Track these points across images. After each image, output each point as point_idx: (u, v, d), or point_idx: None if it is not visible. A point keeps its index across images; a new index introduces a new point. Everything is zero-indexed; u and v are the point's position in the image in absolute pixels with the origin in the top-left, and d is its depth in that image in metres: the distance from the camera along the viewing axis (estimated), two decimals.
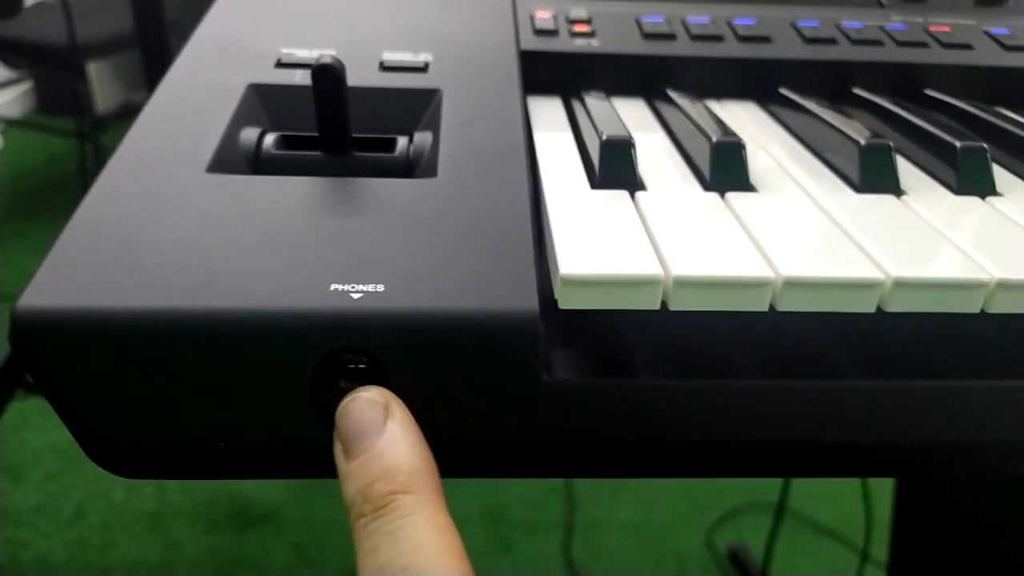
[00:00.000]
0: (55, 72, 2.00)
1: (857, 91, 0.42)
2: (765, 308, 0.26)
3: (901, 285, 0.26)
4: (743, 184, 0.32)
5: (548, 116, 0.40)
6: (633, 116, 0.41)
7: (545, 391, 0.25)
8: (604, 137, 0.32)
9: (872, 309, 0.26)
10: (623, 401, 0.26)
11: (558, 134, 0.37)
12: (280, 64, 0.37)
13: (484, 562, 1.19)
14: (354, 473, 0.22)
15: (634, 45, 0.42)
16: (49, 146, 2.33)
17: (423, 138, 0.33)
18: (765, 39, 0.43)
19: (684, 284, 0.25)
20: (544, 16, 0.44)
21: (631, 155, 0.32)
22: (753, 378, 0.27)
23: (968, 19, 0.47)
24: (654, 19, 0.44)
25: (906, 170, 0.35)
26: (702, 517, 1.28)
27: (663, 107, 0.41)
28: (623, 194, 0.30)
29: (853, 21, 0.45)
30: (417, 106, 0.36)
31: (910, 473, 0.30)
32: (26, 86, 2.54)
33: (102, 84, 2.48)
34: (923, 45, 0.44)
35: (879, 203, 0.31)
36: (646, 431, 0.27)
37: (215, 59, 0.38)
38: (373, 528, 0.20)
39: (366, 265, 0.25)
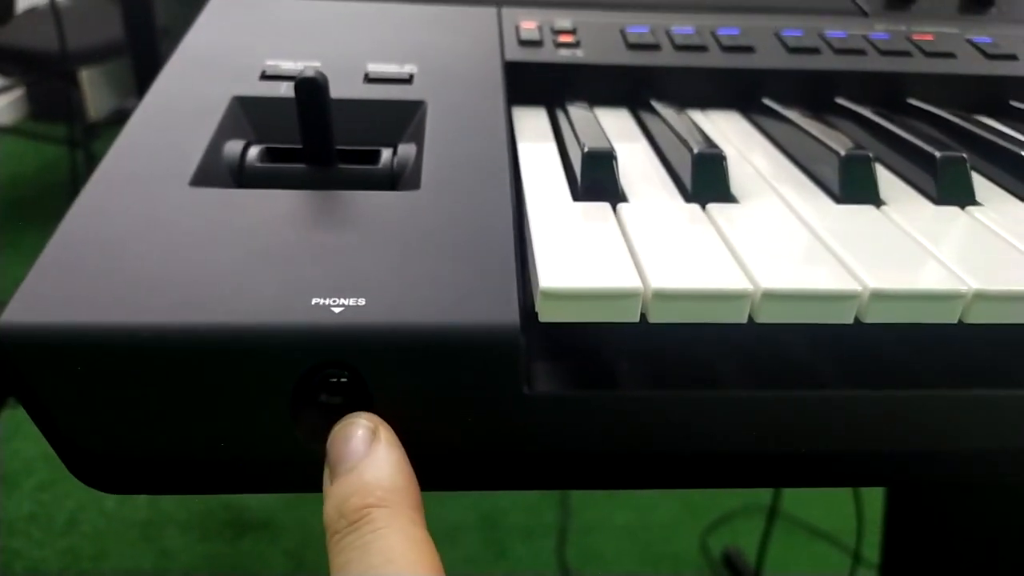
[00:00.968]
0: (47, 79, 1.99)
1: (840, 101, 0.42)
2: (744, 320, 0.26)
3: (878, 297, 0.26)
4: (724, 195, 0.32)
5: (532, 127, 0.40)
6: (617, 126, 0.41)
7: (527, 403, 0.25)
8: (586, 149, 0.32)
9: (850, 320, 0.26)
10: (605, 412, 0.27)
11: (542, 145, 0.37)
12: (265, 76, 0.37)
13: (480, 567, 1.19)
14: (333, 492, 0.22)
15: (618, 55, 0.42)
16: (41, 153, 2.32)
17: (407, 150, 0.34)
18: (749, 49, 0.43)
19: (663, 297, 0.25)
20: (529, 27, 0.44)
21: (613, 167, 0.32)
22: (734, 388, 0.27)
23: (951, 27, 0.47)
24: (639, 29, 0.44)
25: (887, 180, 0.36)
26: (696, 521, 1.28)
27: (647, 117, 0.41)
28: (604, 206, 0.31)
29: (837, 30, 0.45)
30: (401, 118, 0.36)
31: (894, 482, 0.30)
32: (17, 93, 2.53)
33: (94, 91, 2.47)
34: (906, 54, 0.44)
35: (859, 214, 0.32)
36: (628, 442, 0.27)
37: (200, 71, 0.38)
38: (346, 543, 0.20)
39: (348, 279, 0.25)
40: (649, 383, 0.27)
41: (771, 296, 0.26)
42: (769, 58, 0.43)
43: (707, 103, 0.44)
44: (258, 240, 0.27)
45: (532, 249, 0.27)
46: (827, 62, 0.43)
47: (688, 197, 0.32)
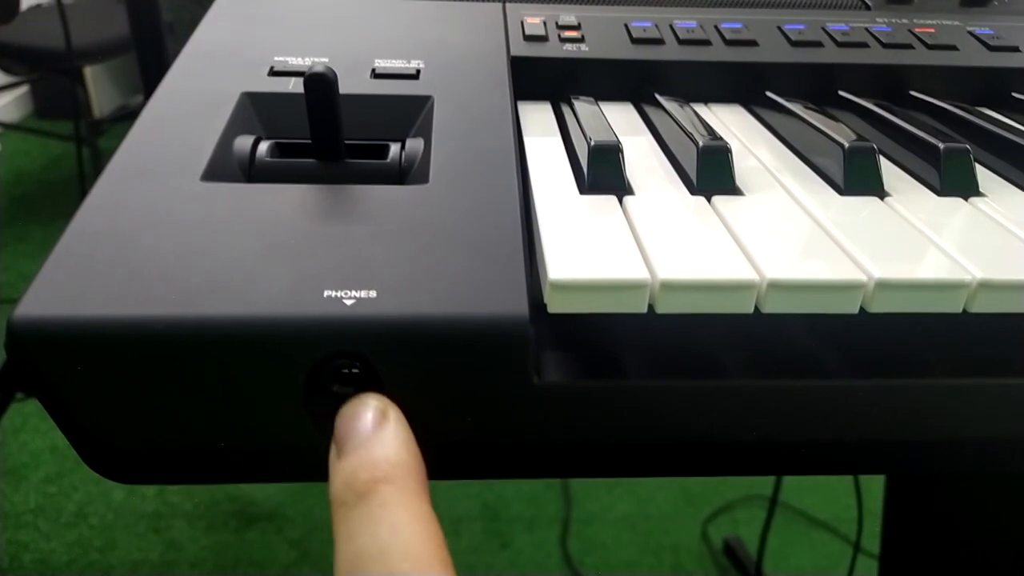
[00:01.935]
0: (52, 76, 2.00)
1: (842, 94, 0.43)
2: (750, 310, 0.26)
3: (883, 286, 0.26)
4: (729, 187, 0.33)
5: (538, 121, 0.40)
6: (622, 120, 0.41)
7: (536, 393, 0.26)
8: (592, 143, 0.32)
9: (855, 310, 0.27)
10: (613, 402, 0.27)
11: (548, 139, 0.38)
12: (273, 72, 0.38)
13: (483, 557, 1.20)
14: (342, 467, 0.22)
15: (623, 50, 0.43)
16: (47, 150, 2.33)
17: (415, 144, 0.34)
18: (752, 43, 0.43)
19: (670, 287, 0.26)
20: (534, 22, 0.44)
21: (619, 160, 0.32)
22: (741, 378, 0.28)
23: (953, 19, 0.47)
24: (642, 24, 0.44)
25: (890, 172, 0.36)
26: (697, 511, 1.29)
27: (651, 111, 0.42)
28: (611, 199, 0.31)
29: (839, 24, 0.46)
30: (409, 113, 0.36)
31: (897, 471, 0.31)
32: (23, 90, 2.54)
33: (99, 88, 2.48)
34: (908, 47, 0.44)
35: (863, 205, 0.32)
36: (636, 431, 0.27)
37: (209, 68, 0.38)
38: (353, 515, 0.20)
39: (359, 271, 0.26)
40: (656, 373, 0.28)
41: (777, 286, 0.26)
42: (772, 52, 0.43)
43: (710, 97, 0.45)
44: (270, 234, 0.27)
45: (540, 241, 0.28)
46: (830, 55, 0.43)
47: (693, 190, 0.33)
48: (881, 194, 0.33)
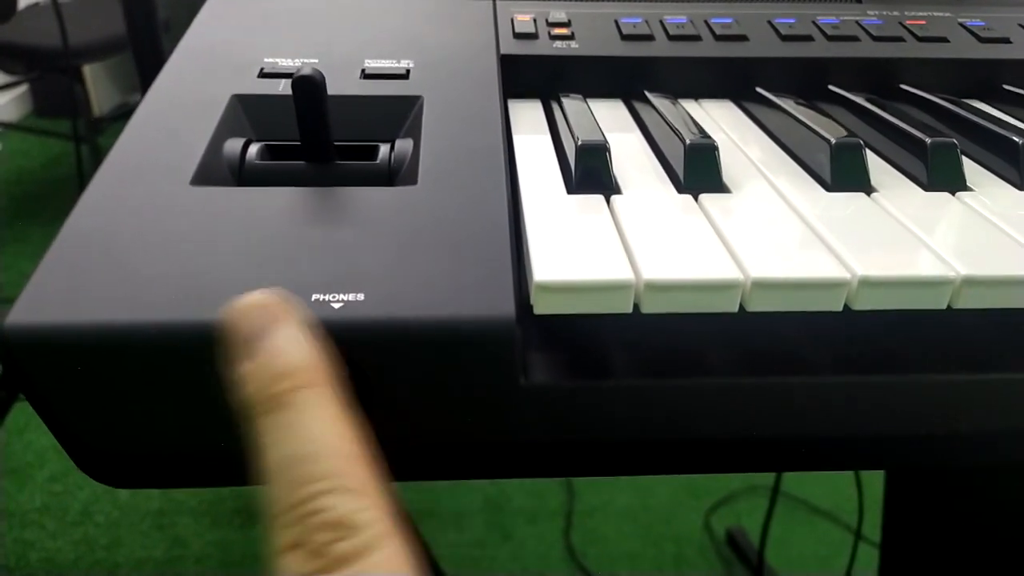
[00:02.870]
0: (50, 75, 2.00)
1: (832, 88, 0.43)
2: (735, 309, 0.27)
3: (867, 284, 0.26)
4: (716, 185, 0.33)
5: (528, 119, 0.40)
6: (611, 118, 0.41)
7: (523, 394, 0.26)
8: (580, 142, 0.33)
9: (839, 308, 0.27)
10: (600, 401, 0.27)
11: (537, 138, 0.38)
12: (263, 74, 0.38)
13: (486, 550, 1.20)
14: (253, 374, 0.21)
15: (613, 47, 0.43)
16: (46, 149, 2.33)
17: (404, 145, 0.34)
18: (742, 38, 0.44)
19: (655, 288, 0.26)
20: (524, 20, 0.44)
21: (606, 160, 0.33)
22: (728, 376, 0.28)
23: (944, 11, 0.47)
24: (632, 20, 0.44)
25: (879, 167, 0.36)
26: (699, 502, 1.29)
27: (641, 108, 0.42)
28: (598, 199, 0.31)
29: (829, 17, 0.46)
30: (398, 113, 0.36)
31: (887, 466, 0.31)
32: (22, 89, 2.54)
33: (98, 86, 2.48)
34: (899, 40, 0.44)
35: (849, 201, 0.32)
36: (624, 430, 0.28)
37: (200, 70, 0.38)
38: (272, 423, 0.20)
39: (347, 274, 0.26)
40: (643, 372, 0.28)
41: (761, 285, 0.26)
42: (762, 47, 0.43)
43: (701, 93, 0.45)
44: (259, 238, 0.27)
45: (527, 243, 0.28)
46: (820, 49, 0.43)
47: (681, 188, 0.33)
48: (868, 190, 0.33)
